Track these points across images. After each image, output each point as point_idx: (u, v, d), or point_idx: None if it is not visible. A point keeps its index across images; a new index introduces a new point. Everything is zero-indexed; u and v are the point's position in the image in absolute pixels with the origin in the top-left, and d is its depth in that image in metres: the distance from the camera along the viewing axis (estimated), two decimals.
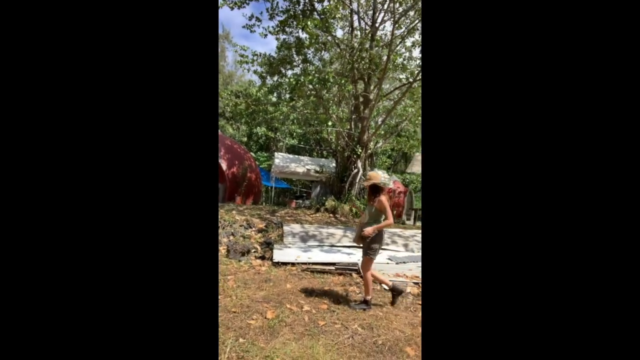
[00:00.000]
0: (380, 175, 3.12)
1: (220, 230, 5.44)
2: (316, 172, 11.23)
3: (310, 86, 8.50)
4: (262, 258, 4.68)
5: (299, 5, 9.46)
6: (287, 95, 9.38)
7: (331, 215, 8.28)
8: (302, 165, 11.41)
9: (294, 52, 8.82)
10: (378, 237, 3.07)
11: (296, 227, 5.82)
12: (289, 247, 4.92)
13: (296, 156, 12.76)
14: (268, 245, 5.06)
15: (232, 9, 9.36)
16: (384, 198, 3.03)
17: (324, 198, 9.13)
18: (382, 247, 3.46)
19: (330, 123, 9.03)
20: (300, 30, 10.12)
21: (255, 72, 10.96)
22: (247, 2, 9.32)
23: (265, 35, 10.39)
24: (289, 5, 9.54)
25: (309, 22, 7.23)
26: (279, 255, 4.57)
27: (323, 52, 9.63)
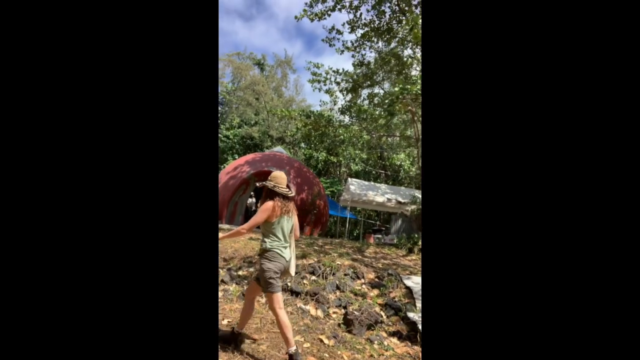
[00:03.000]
0: (284, 179, 2.42)
1: (322, 281, 4.01)
2: (399, 202, 9.55)
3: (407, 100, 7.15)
4: (400, 337, 3.11)
5: (384, 17, 8.49)
6: (385, 109, 8.09)
7: None
8: (381, 194, 9.83)
9: (392, 60, 7.59)
10: (270, 262, 2.21)
11: None
12: None
13: (372, 183, 11.24)
14: (396, 312, 3.49)
15: (312, 20, 8.81)
16: (269, 204, 2.29)
17: (415, 235, 7.47)
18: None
19: None
20: (384, 44, 9.07)
21: (327, 91, 10.27)
22: (329, 13, 8.71)
23: (342, 51, 9.70)
24: (373, 16, 8.62)
25: (419, 21, 5.90)
26: None
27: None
